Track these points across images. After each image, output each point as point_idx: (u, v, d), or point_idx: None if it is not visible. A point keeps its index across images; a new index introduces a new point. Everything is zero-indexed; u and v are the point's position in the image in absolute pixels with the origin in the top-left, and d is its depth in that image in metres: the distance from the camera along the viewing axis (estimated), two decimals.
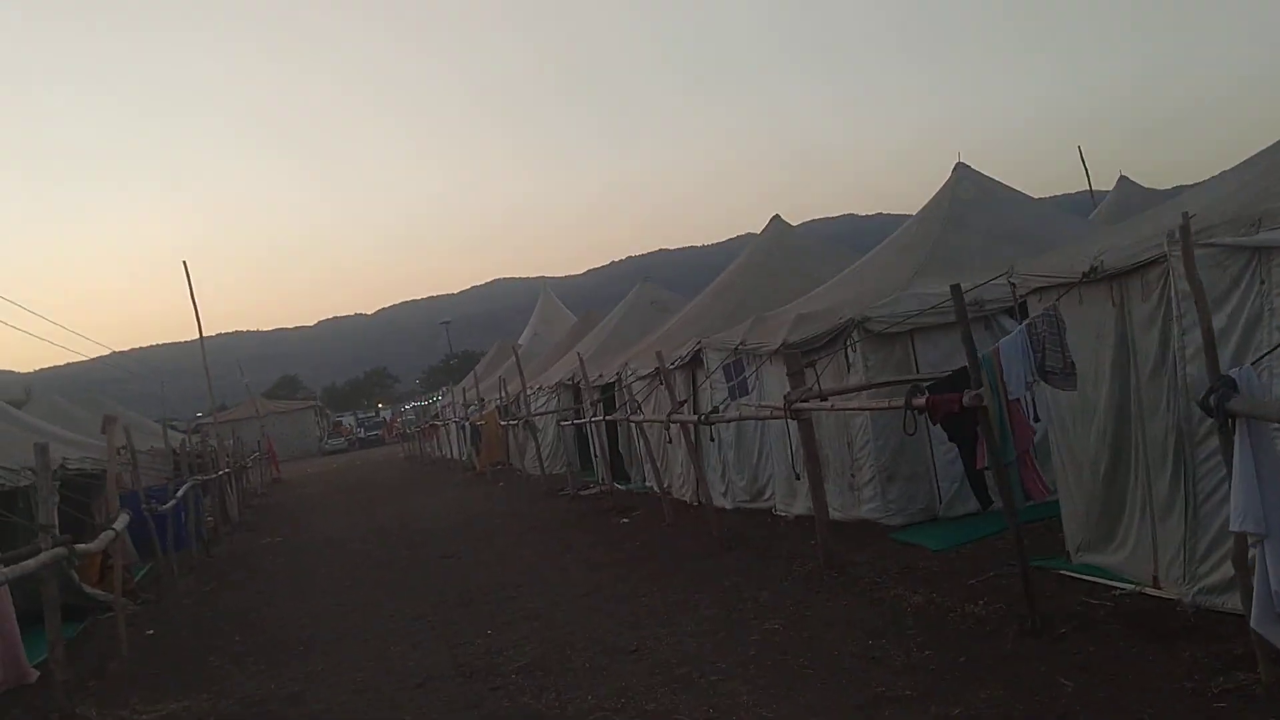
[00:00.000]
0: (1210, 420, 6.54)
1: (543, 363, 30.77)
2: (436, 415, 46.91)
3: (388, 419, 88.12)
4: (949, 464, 11.10)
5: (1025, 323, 7.34)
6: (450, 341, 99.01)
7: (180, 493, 16.62)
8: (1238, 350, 6.35)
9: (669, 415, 12.59)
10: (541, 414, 23.50)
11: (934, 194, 14.24)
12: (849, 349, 10.93)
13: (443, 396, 62.32)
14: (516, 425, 25.64)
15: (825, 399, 9.59)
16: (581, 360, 18.33)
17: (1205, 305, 5.38)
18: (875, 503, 11.39)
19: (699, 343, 14.53)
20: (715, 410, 11.55)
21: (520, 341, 48.71)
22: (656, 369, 16.20)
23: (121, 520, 10.98)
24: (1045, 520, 9.99)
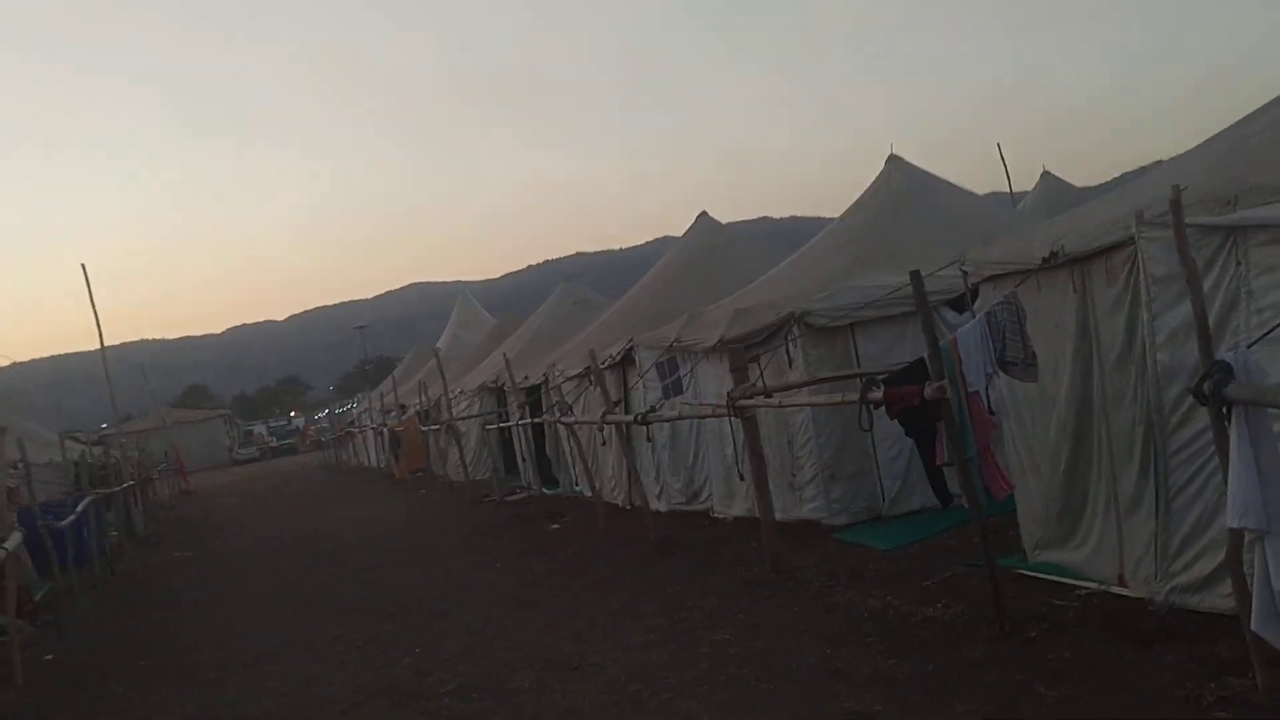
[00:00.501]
0: (1183, 410, 6.27)
1: (463, 366, 30.02)
2: (352, 422, 45.73)
3: (301, 427, 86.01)
4: (892, 461, 10.81)
5: (985, 311, 6.99)
6: (365, 347, 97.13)
7: (80, 507, 15.62)
8: (1213, 337, 6.06)
9: (603, 416, 12.08)
10: (465, 418, 22.80)
11: (866, 188, 13.99)
12: (790, 344, 10.54)
13: (358, 403, 60.96)
14: (438, 430, 24.87)
15: (770, 395, 9.17)
16: (507, 361, 17.74)
17: (1198, 283, 5.06)
18: (818, 502, 11.03)
19: (631, 341, 14.06)
20: (653, 410, 11.08)
21: (439, 345, 47.87)
22: (586, 369, 15.70)
23: (14, 539, 10.10)
24: (995, 518, 9.72)
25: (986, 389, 6.98)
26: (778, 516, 11.28)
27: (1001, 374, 7.00)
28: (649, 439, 11.76)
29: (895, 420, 6.99)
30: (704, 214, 19.23)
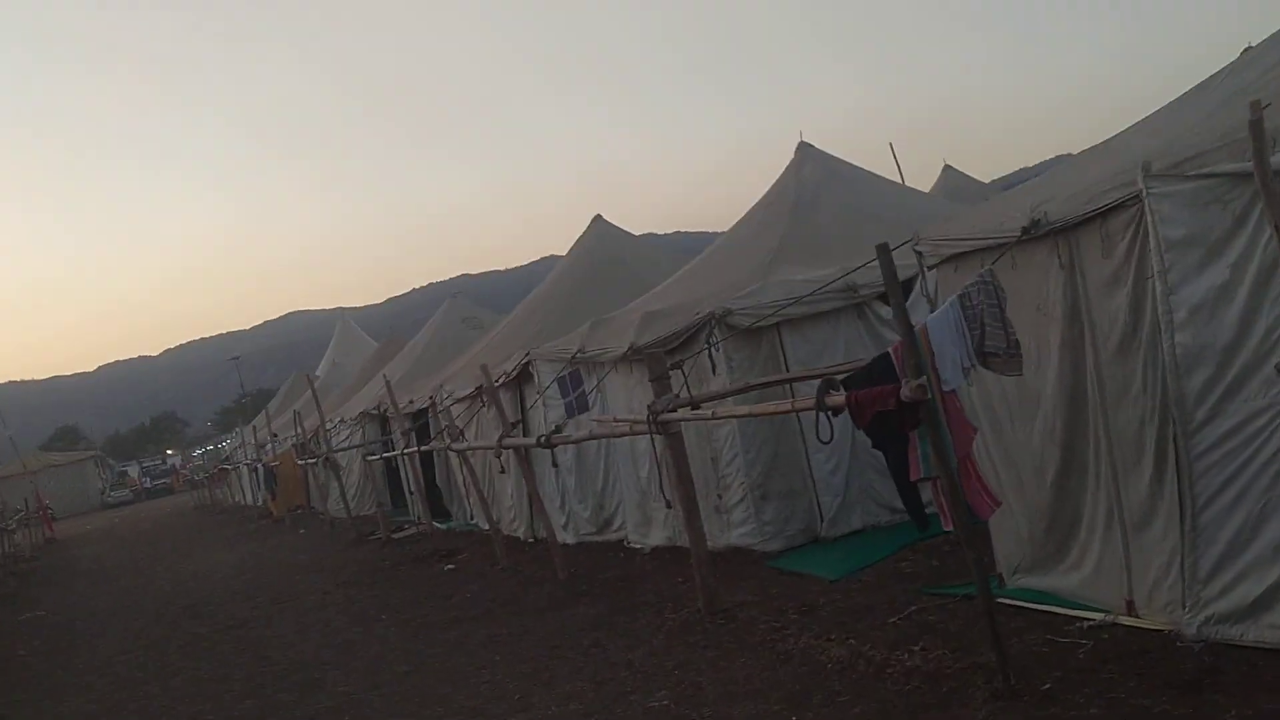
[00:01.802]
0: (1211, 402, 5.15)
1: (344, 394, 28.16)
2: (226, 459, 43.08)
3: (176, 466, 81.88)
4: (830, 475, 9.63)
5: (957, 294, 5.80)
6: (242, 379, 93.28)
7: None
8: (1247, 309, 4.96)
9: (500, 439, 10.62)
10: (344, 449, 21.01)
11: (776, 179, 12.89)
12: (711, 348, 9.27)
13: (234, 438, 57.90)
14: (316, 463, 22.97)
15: (698, 407, 7.87)
16: (388, 384, 16.11)
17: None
18: (748, 526, 9.77)
19: (528, 354, 12.64)
20: (557, 430, 9.68)
21: (318, 373, 45.43)
22: (478, 388, 14.21)
23: None
24: (948, 536, 8.60)
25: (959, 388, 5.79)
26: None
27: (980, 368, 5.82)
28: (554, 464, 10.37)
29: (862, 430, 5.72)
30: (599, 217, 17.97)
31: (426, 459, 17.40)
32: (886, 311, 9.84)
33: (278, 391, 50.53)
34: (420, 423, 16.94)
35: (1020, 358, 5.75)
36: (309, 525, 24.16)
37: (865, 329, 9.81)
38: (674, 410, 7.83)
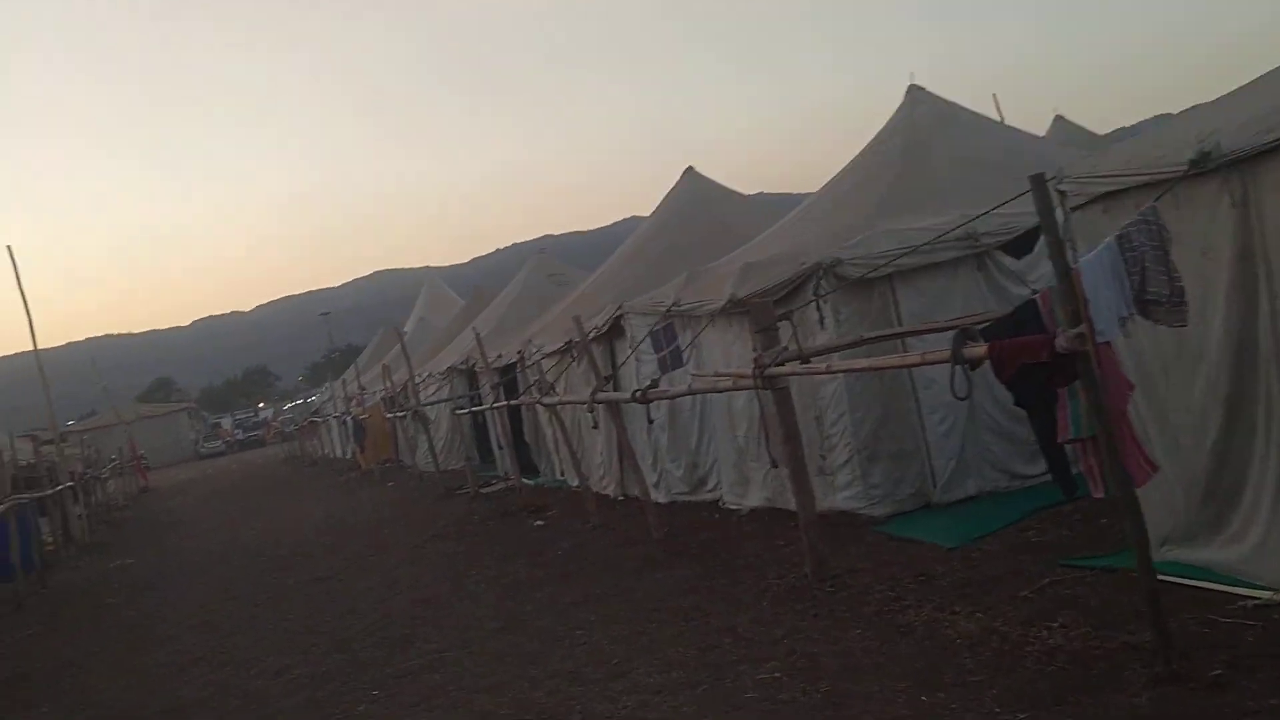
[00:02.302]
0: None
1: (432, 349, 28.09)
2: (316, 412, 43.61)
3: (268, 419, 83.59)
4: (944, 437, 9.03)
5: (1116, 235, 5.18)
6: (331, 335, 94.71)
7: None
8: None
9: (593, 394, 10.22)
10: (433, 403, 20.87)
11: (886, 121, 12.19)
12: (819, 301, 8.71)
13: (324, 392, 58.72)
14: (404, 417, 22.92)
15: (806, 360, 7.35)
16: (479, 338, 15.81)
17: None
18: (854, 489, 9.23)
19: (620, 308, 12.20)
20: (653, 385, 9.24)
21: (406, 329, 45.74)
22: (568, 342, 13.86)
23: None
24: (1077, 503, 7.99)
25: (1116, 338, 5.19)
26: None
27: (1140, 317, 5.20)
28: (649, 419, 9.93)
29: (1005, 385, 5.17)
30: (690, 170, 17.38)
31: (514, 414, 17.13)
32: (1010, 263, 9.21)
33: (366, 347, 51.05)
34: (508, 377, 16.65)
35: (1185, 307, 5.12)
36: (397, 478, 24.20)
37: (985, 281, 9.16)
38: (782, 364, 7.32)
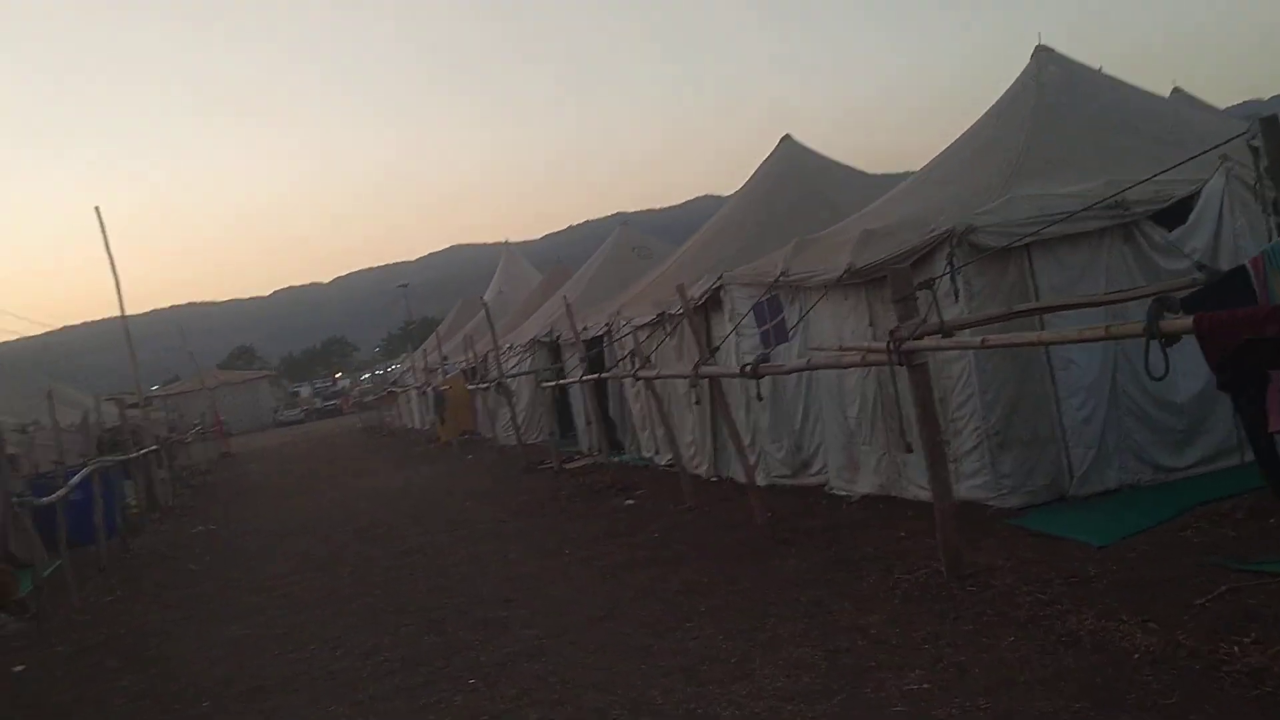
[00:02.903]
0: None
1: (510, 322, 27.74)
2: (395, 382, 43.64)
3: (345, 388, 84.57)
4: (1083, 424, 8.28)
5: None
6: (408, 307, 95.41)
7: (76, 479, 13.44)
8: None
9: (696, 368, 9.61)
10: (517, 374, 20.44)
11: (1009, 86, 11.36)
12: (954, 272, 7.99)
13: (402, 363, 58.92)
14: (486, 390, 22.56)
15: (948, 334, 6.66)
16: (569, 307, 15.29)
17: None
18: (981, 478, 8.53)
19: (720, 278, 11.56)
20: (764, 359, 8.60)
21: (484, 301, 45.53)
22: (660, 315, 13.28)
23: None
24: (1241, 499, 7.24)
25: None
26: (924, 494, 8.87)
27: None
28: (758, 396, 9.28)
29: (1214, 367, 4.46)
30: (788, 137, 16.66)
31: (600, 389, 16.63)
32: (1160, 235, 8.39)
33: (441, 320, 50.98)
34: (595, 351, 16.12)
35: None
36: (476, 451, 23.89)
37: (1133, 254, 8.36)
38: (920, 338, 6.64)
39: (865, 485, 9.81)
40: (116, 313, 26.83)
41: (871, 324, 9.24)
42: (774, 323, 10.86)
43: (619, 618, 7.50)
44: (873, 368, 9.17)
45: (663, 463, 14.71)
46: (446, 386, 26.25)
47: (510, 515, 13.34)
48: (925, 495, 8.94)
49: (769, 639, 6.36)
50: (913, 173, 13.17)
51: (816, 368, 8.06)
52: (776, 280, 10.15)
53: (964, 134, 11.51)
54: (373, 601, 9.53)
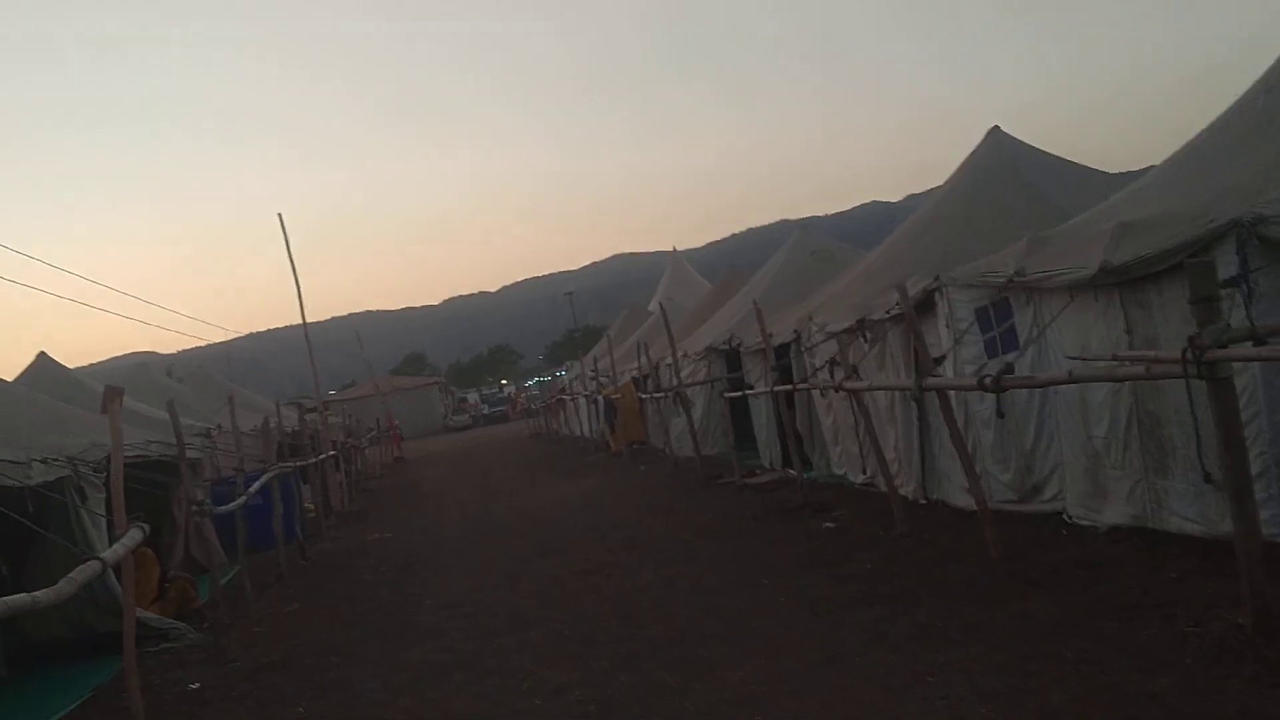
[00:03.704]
0: None
1: (682, 327, 27.02)
2: (564, 389, 43.54)
3: (512, 395, 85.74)
4: None
5: None
6: (574, 314, 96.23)
7: (255, 486, 13.29)
8: None
9: (920, 379, 8.53)
10: (695, 383, 19.62)
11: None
12: (1247, 274, 6.71)
13: (566, 370, 59.11)
14: (664, 398, 21.82)
15: (1262, 341, 5.45)
16: (758, 311, 14.35)
17: None
18: (1270, 510, 7.18)
19: (936, 279, 10.44)
20: (1007, 370, 7.46)
21: (650, 308, 45.04)
22: (860, 321, 12.22)
23: (130, 538, 7.46)
24: None
25: None
26: (1195, 530, 7.60)
27: None
28: (998, 413, 8.14)
29: None
30: (996, 129, 15.33)
31: (786, 400, 15.63)
32: None
33: (604, 330, 50.76)
34: (782, 360, 15.14)
35: None
36: (649, 461, 23.19)
37: None
38: (1224, 345, 5.45)
39: (1114, 515, 8.54)
40: (298, 320, 27.31)
41: (1129, 331, 7.99)
42: (1001, 329, 9.69)
43: (842, 665, 6.53)
44: (1127, 382, 7.99)
45: (858, 481, 13.63)
46: (618, 394, 25.67)
47: (695, 534, 12.47)
48: (1192, 529, 7.70)
49: (1038, 705, 5.29)
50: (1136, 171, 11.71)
51: (1081, 380, 6.88)
52: (1010, 281, 8.98)
53: (1226, 113, 10.02)
54: (558, 628, 8.80)
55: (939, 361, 8.77)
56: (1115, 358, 6.76)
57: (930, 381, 8.45)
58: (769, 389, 14.06)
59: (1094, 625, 6.39)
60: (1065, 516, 9.18)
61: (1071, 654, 5.96)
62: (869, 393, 11.72)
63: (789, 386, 13.31)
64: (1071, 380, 6.69)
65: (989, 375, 7.44)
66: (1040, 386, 8.25)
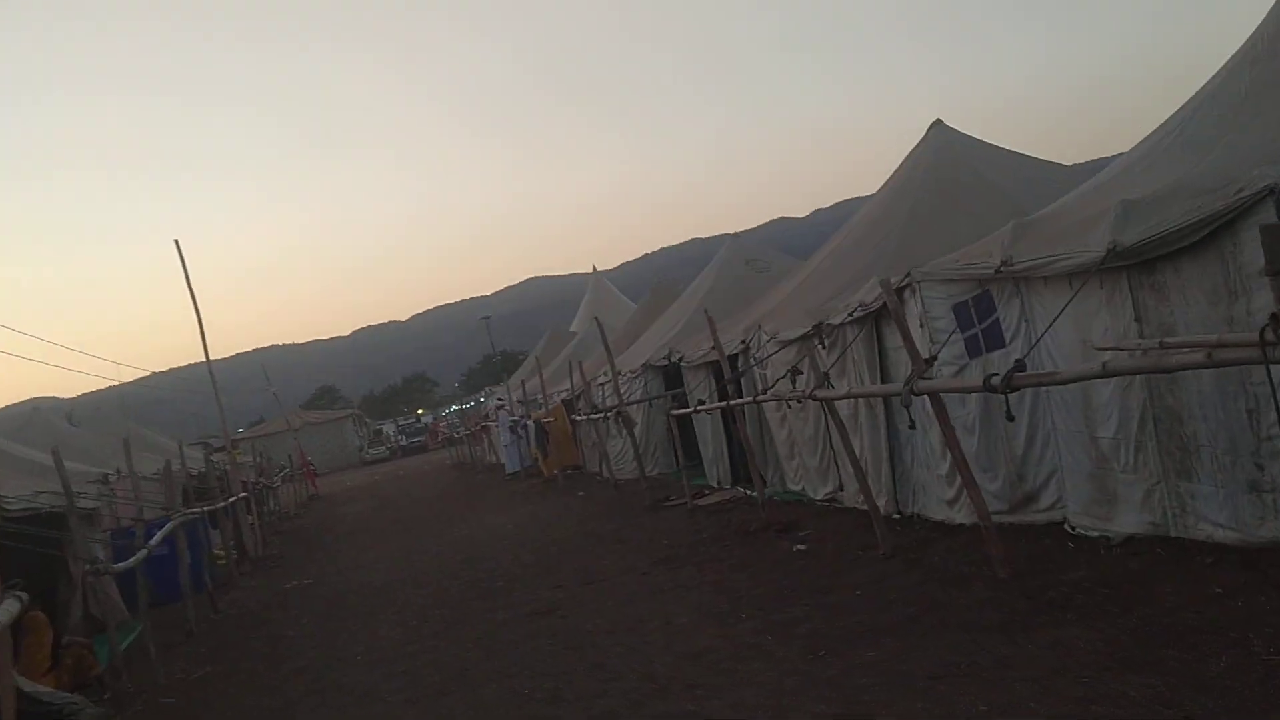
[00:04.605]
0: None
1: (613, 346, 26.04)
2: (487, 416, 42.16)
3: (430, 424, 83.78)
4: None
5: None
6: (491, 340, 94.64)
7: (157, 537, 11.92)
8: None
9: (910, 383, 7.64)
10: (637, 402, 18.61)
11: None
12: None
13: (486, 396, 57.55)
14: (597, 419, 20.77)
15: None
16: (710, 321, 13.43)
17: None
18: None
19: (908, 275, 9.60)
20: (1019, 368, 6.60)
21: (573, 329, 43.97)
22: (816, 326, 11.37)
23: (4, 611, 6.20)
24: None
25: None
26: (1231, 539, 6.82)
27: None
28: (1009, 417, 7.25)
29: None
30: (939, 123, 14.71)
31: (729, 416, 14.70)
32: None
33: (522, 354, 49.56)
34: (743, 372, 14.21)
35: None
36: (586, 486, 22.06)
37: None
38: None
39: (1127, 524, 7.73)
40: (200, 358, 25.71)
41: (1138, 319, 7.22)
42: (984, 325, 8.89)
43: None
44: (1137, 376, 7.23)
45: (818, 497, 12.74)
46: (549, 418, 24.53)
47: (653, 564, 11.43)
48: (1225, 536, 6.91)
49: None
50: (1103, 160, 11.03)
51: (1117, 373, 6.00)
52: (998, 271, 8.16)
53: (1227, 66, 9.28)
54: (515, 684, 7.68)
55: (930, 363, 7.88)
56: (1163, 345, 5.93)
57: (923, 385, 7.55)
58: (726, 403, 13.09)
59: (1152, 656, 5.51)
60: (1068, 527, 8.35)
61: (1136, 694, 5.08)
62: (833, 402, 10.85)
63: (750, 400, 12.36)
64: (1105, 374, 5.83)
65: (995, 374, 6.57)
66: (1062, 384, 7.40)
